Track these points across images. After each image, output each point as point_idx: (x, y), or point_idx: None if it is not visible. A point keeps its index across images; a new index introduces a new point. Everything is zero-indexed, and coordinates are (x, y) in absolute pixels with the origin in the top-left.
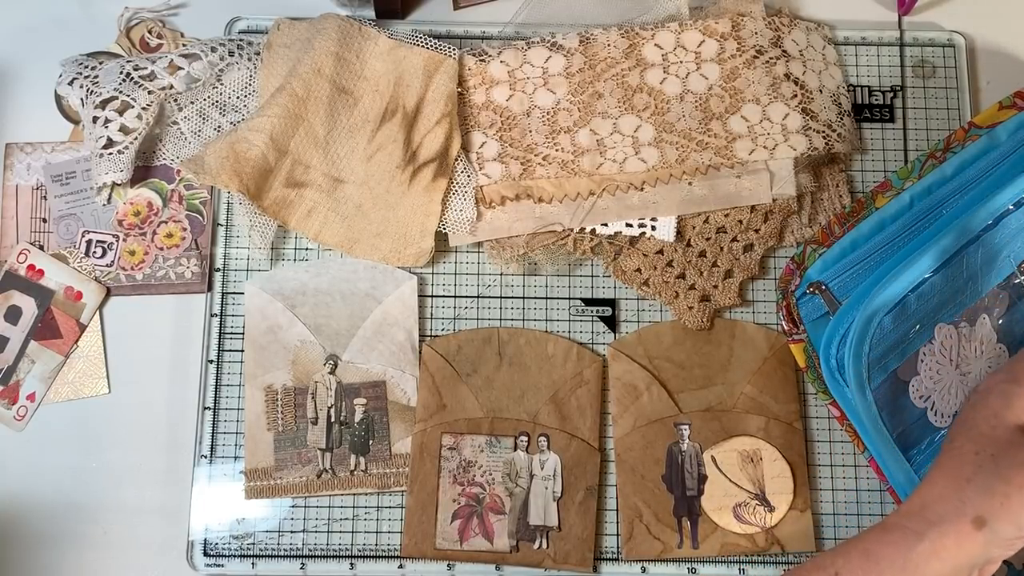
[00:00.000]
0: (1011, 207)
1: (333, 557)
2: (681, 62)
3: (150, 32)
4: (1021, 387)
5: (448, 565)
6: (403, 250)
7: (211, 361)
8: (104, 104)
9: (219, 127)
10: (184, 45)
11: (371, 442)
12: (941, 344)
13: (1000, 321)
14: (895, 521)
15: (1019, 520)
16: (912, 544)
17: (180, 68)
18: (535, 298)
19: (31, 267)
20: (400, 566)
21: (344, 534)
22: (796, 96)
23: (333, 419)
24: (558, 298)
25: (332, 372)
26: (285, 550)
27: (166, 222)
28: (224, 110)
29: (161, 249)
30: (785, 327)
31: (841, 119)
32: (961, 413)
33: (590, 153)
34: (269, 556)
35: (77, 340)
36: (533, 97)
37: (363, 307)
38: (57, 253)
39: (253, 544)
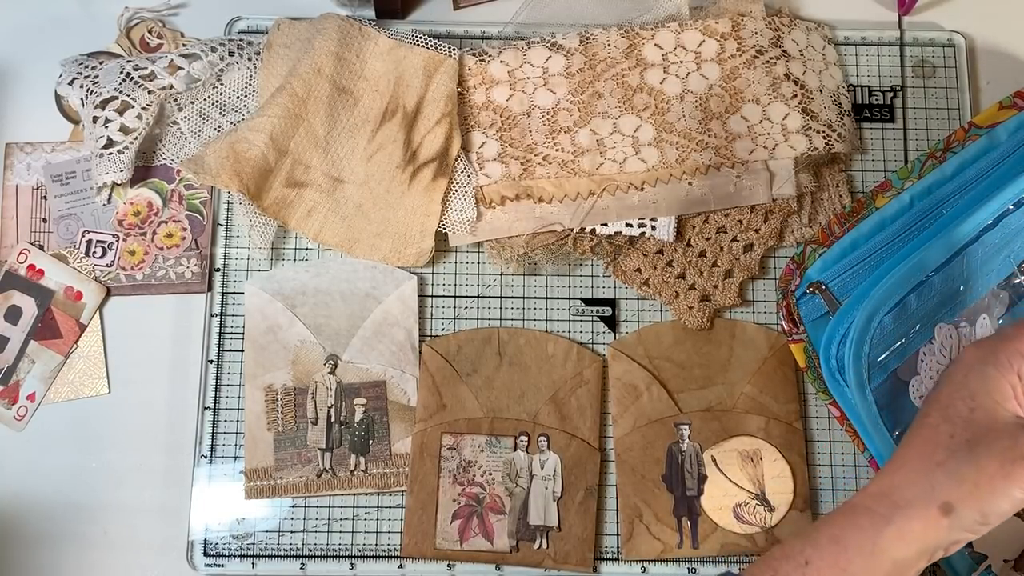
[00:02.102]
0: (1011, 207)
1: (333, 557)
2: (681, 62)
3: (150, 32)
4: (1001, 371)
5: (448, 565)
6: (403, 250)
7: (211, 361)
8: (104, 104)
9: (219, 127)
10: (184, 45)
11: (371, 442)
12: (941, 344)
13: (1000, 321)
14: (862, 503)
15: (985, 508)
16: (880, 528)
17: (180, 68)
18: (535, 298)
19: (31, 267)
20: (400, 566)
21: (344, 534)
22: (796, 96)
23: (333, 419)
24: (558, 298)
25: (332, 372)
26: (285, 550)
27: (166, 222)
28: (224, 110)
29: (161, 249)
30: (785, 327)
31: (841, 119)
32: (938, 385)
33: (590, 153)
34: (269, 556)
35: (77, 340)
36: (533, 97)
37: (363, 307)
38: (57, 253)
39: (253, 544)
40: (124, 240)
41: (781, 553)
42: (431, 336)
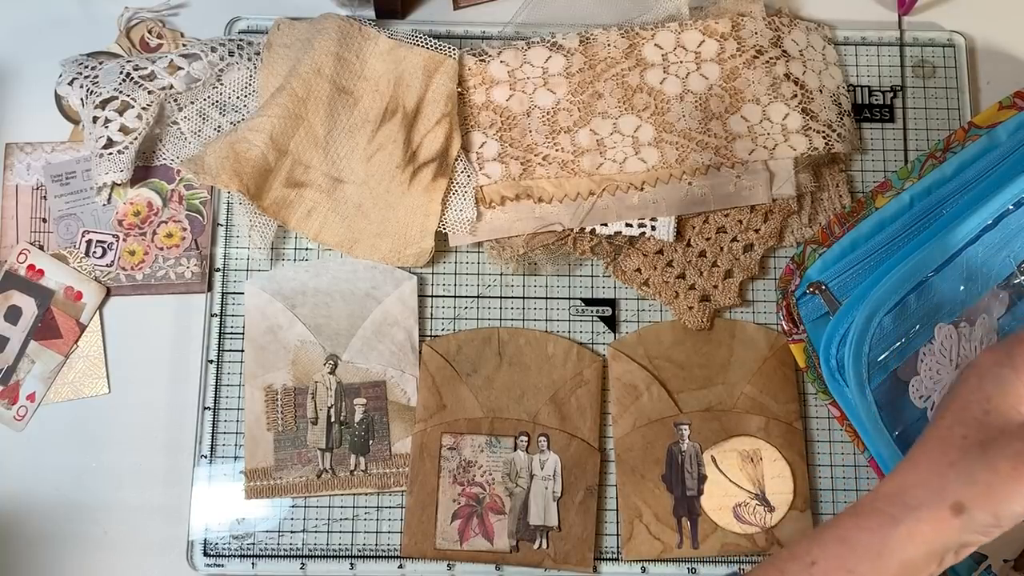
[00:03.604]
0: (1011, 207)
1: (333, 557)
2: (681, 62)
3: (150, 32)
4: (1017, 373)
5: (448, 565)
6: (403, 250)
7: (211, 361)
8: (104, 104)
9: (219, 127)
10: (184, 45)
11: (371, 442)
12: (941, 344)
13: (1000, 321)
14: (872, 504)
15: (998, 509)
16: (889, 530)
17: (180, 68)
18: (535, 298)
19: (31, 267)
20: (400, 566)
21: (344, 534)
22: (796, 96)
23: (333, 419)
24: (558, 298)
25: (332, 372)
26: (285, 550)
27: (166, 222)
28: (224, 110)
29: (161, 249)
30: (785, 327)
31: (841, 119)
32: (952, 389)
33: (590, 153)
34: (269, 556)
35: (77, 340)
36: (533, 97)
37: (363, 307)
38: (57, 253)
39: (253, 544)
40: (124, 240)
41: (788, 554)
42: (431, 336)
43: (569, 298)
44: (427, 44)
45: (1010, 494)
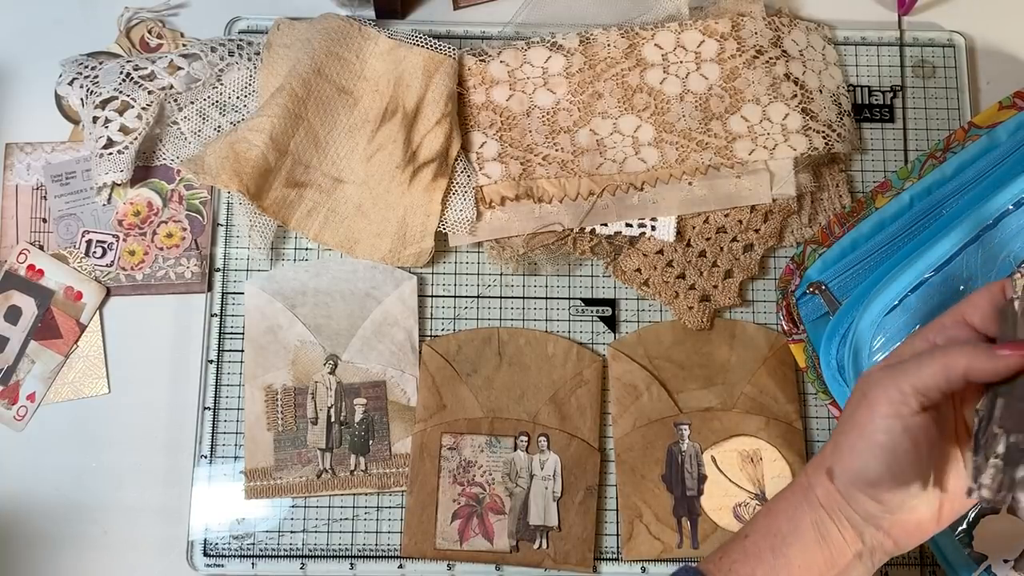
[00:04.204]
0: (1011, 207)
1: (333, 557)
2: (681, 62)
3: (150, 32)
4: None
5: (448, 565)
6: (403, 250)
7: (211, 361)
8: (104, 104)
9: (219, 127)
10: (184, 45)
11: (371, 442)
12: None
13: None
14: (795, 479)
15: (845, 465)
16: (803, 494)
17: (180, 68)
18: (535, 298)
19: (31, 267)
20: (400, 566)
21: (344, 534)
22: (796, 96)
23: (333, 419)
24: (558, 298)
25: (332, 372)
26: (285, 550)
27: (166, 222)
28: (224, 110)
29: (161, 249)
30: (785, 327)
31: (841, 119)
32: None
33: (590, 153)
34: (269, 556)
35: (77, 340)
36: (533, 97)
37: (363, 307)
38: (57, 253)
39: (253, 544)
40: (124, 240)
41: (731, 536)
42: (431, 336)
43: (569, 298)
44: (427, 44)
45: (851, 442)
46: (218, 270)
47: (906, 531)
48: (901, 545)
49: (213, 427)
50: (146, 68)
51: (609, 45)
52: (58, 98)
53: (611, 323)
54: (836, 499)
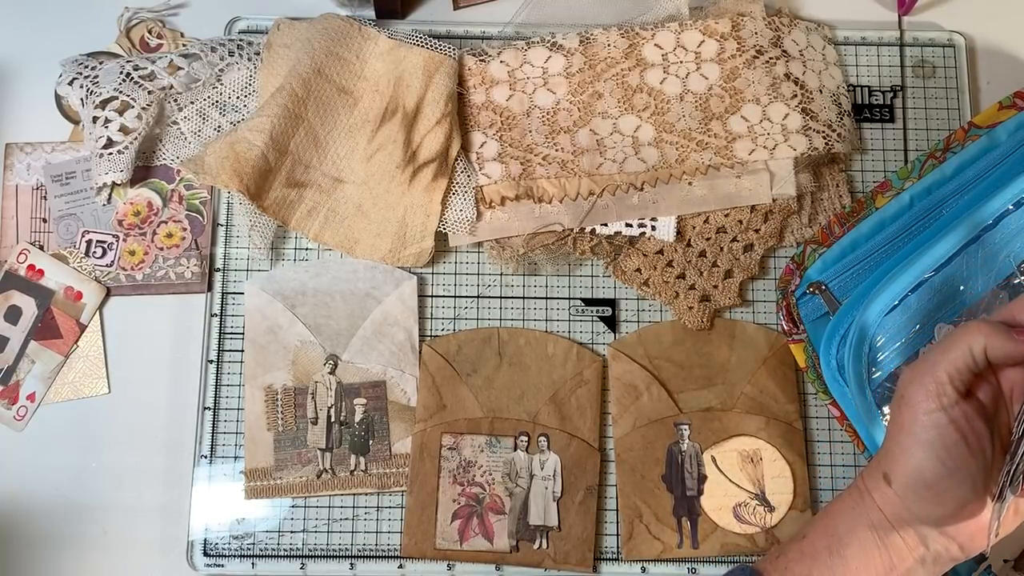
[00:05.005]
0: (1011, 207)
1: (333, 557)
2: (681, 62)
3: (150, 32)
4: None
5: (448, 565)
6: (403, 250)
7: (211, 361)
8: (104, 104)
9: (219, 127)
10: (184, 45)
11: (371, 442)
12: None
13: None
14: (853, 483)
15: (901, 467)
16: (860, 497)
17: (180, 68)
18: (535, 298)
19: (31, 267)
20: (400, 566)
21: (344, 534)
22: (796, 96)
23: (333, 419)
24: (558, 298)
25: (332, 372)
26: (285, 550)
27: (166, 222)
28: (224, 110)
29: (161, 249)
30: (785, 327)
31: (841, 119)
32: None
33: (590, 153)
34: (269, 556)
35: (77, 340)
36: (533, 97)
37: (363, 307)
38: (57, 253)
39: (253, 544)
40: (124, 240)
41: (788, 538)
42: (431, 336)
43: (569, 298)
44: (427, 44)
45: (902, 446)
46: (218, 270)
47: (970, 535)
48: (967, 550)
49: (213, 427)
50: (146, 68)
51: (609, 45)
52: (58, 98)
53: (611, 323)
54: (895, 503)
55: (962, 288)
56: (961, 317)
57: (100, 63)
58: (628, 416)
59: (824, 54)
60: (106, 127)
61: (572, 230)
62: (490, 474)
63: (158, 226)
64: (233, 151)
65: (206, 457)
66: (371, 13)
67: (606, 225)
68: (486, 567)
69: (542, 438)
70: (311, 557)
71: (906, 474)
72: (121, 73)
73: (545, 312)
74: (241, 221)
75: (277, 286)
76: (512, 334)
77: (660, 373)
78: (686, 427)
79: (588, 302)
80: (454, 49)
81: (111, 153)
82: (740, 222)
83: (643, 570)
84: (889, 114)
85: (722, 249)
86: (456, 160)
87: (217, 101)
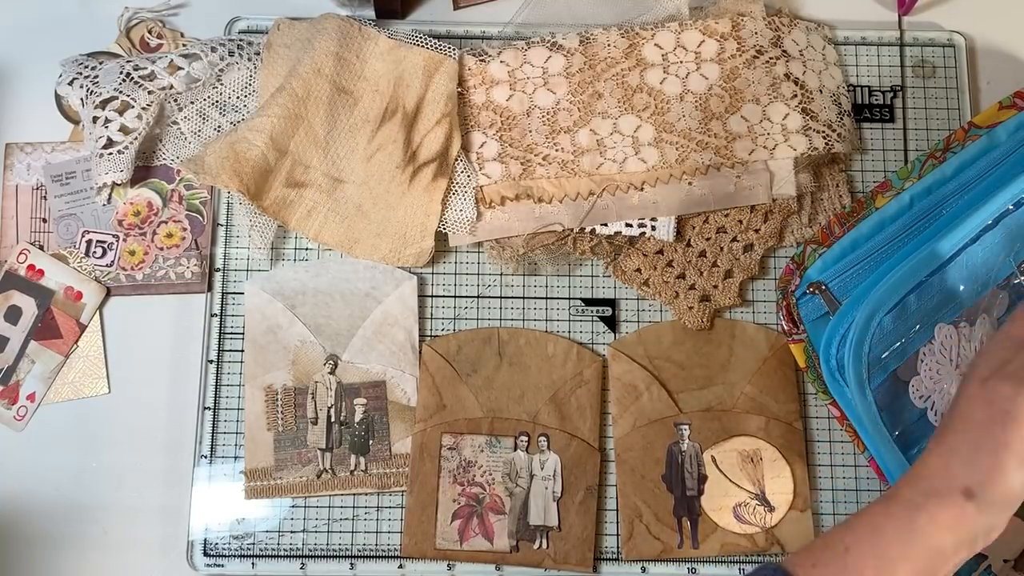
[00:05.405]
0: (1011, 207)
1: (333, 557)
2: (681, 62)
3: (150, 32)
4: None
5: (448, 565)
6: (403, 250)
7: (211, 361)
8: (104, 104)
9: (219, 127)
10: (184, 45)
11: (371, 442)
12: (941, 344)
13: (1000, 321)
14: (896, 493)
15: (1000, 485)
16: (913, 515)
17: (180, 68)
18: (535, 298)
19: (31, 267)
20: (400, 566)
21: (344, 534)
22: (796, 96)
23: (333, 419)
24: (558, 298)
25: (332, 372)
26: (285, 550)
27: (166, 222)
28: (224, 110)
29: (161, 249)
30: (785, 327)
31: (841, 119)
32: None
33: (590, 153)
34: (269, 556)
35: (77, 340)
36: (533, 97)
37: (363, 307)
38: (57, 253)
39: (253, 544)
40: (124, 240)
41: (822, 543)
42: (431, 336)
43: (569, 298)
44: (427, 44)
45: (1005, 465)
46: (218, 270)
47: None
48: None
49: (213, 427)
50: (146, 68)
51: (609, 45)
52: (58, 98)
53: (611, 323)
54: (972, 519)
55: (962, 288)
56: (961, 317)
57: (100, 63)
58: (628, 416)
59: (824, 54)
60: (106, 127)
61: (572, 230)
62: (490, 474)
63: (158, 226)
64: (233, 151)
65: (206, 457)
66: (371, 13)
67: (606, 225)
68: (486, 567)
69: (542, 438)
70: (311, 557)
71: (1006, 492)
72: (121, 73)
73: (545, 312)
74: (241, 221)
75: (277, 286)
76: (512, 334)
77: (660, 373)
78: (686, 427)
79: (588, 302)
80: (454, 49)
81: (111, 153)
82: (740, 222)
83: (643, 570)
84: (889, 114)
85: (722, 249)
86: (456, 160)
87: (217, 101)
